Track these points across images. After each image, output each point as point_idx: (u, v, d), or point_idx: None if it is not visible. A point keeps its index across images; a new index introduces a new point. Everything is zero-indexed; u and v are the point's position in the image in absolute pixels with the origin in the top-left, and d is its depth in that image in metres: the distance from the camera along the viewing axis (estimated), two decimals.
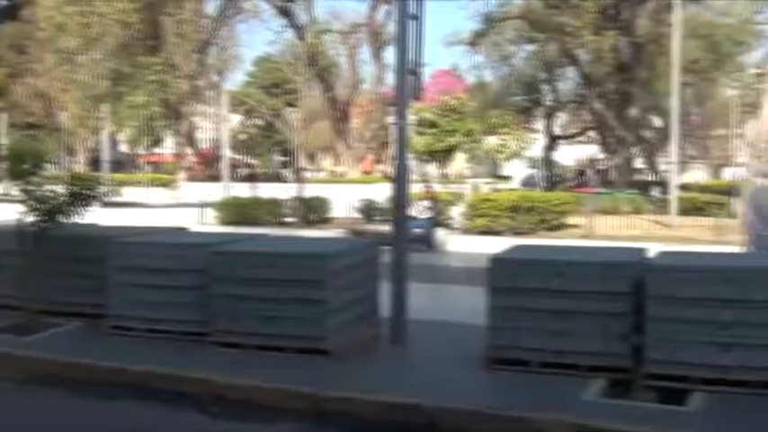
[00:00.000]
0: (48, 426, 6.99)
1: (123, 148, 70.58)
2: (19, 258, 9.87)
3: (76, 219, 9.91)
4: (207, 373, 7.87)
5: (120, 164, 65.29)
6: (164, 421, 7.12)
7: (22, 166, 9.82)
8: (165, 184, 51.28)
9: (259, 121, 77.79)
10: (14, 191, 10.42)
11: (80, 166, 55.26)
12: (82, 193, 9.85)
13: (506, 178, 59.17)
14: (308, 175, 56.13)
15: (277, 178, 60.68)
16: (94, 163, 54.22)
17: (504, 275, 7.98)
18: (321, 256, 8.67)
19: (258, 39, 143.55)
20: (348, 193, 30.56)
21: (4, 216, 13.26)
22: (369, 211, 26.55)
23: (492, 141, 63.01)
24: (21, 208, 9.76)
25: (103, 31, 46.38)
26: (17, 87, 54.79)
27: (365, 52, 54.29)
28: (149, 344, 9.05)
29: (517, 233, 23.59)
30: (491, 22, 42.58)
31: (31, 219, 9.69)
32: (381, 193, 25.25)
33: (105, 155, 42.77)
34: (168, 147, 66.07)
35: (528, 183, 50.37)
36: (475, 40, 44.26)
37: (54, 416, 7.24)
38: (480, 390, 7.46)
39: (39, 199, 9.65)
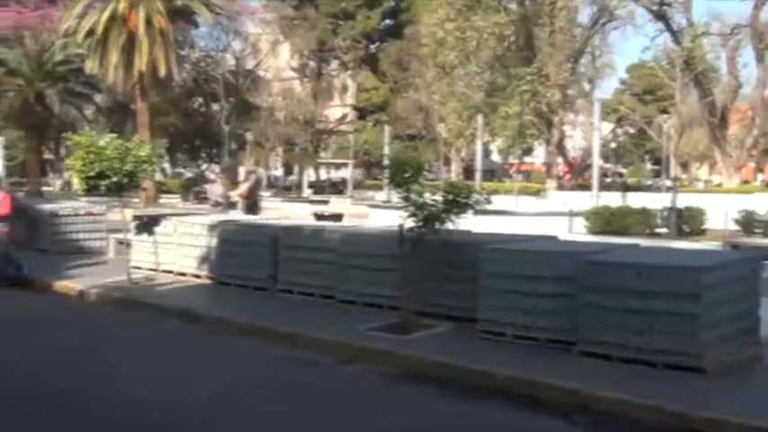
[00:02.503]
0: (415, 423, 7.35)
1: (495, 157, 72.52)
2: (398, 262, 10.52)
3: (451, 225, 10.30)
4: (572, 382, 7.82)
5: (491, 173, 67.27)
6: (527, 427, 7.20)
7: (403, 175, 10.39)
8: (534, 193, 51.91)
9: (630, 129, 76.08)
10: (395, 198, 11.08)
11: (454, 175, 57.71)
12: (457, 201, 10.21)
13: None
14: (681, 184, 53.79)
15: (648, 188, 58.86)
16: (467, 172, 56.36)
17: None
18: (696, 268, 8.27)
19: (631, 45, 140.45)
20: (725, 203, 28.82)
21: (386, 221, 14.21)
22: (748, 222, 24.86)
23: None
24: (401, 214, 10.37)
25: (480, 44, 48.02)
26: (399, 101, 58.51)
27: (747, 54, 50.90)
28: (517, 349, 9.19)
29: None
30: None
31: (410, 224, 10.24)
32: (763, 204, 23.49)
33: (478, 164, 44.23)
34: (538, 156, 66.85)
35: None
36: None
37: (420, 411, 7.59)
38: None
39: (418, 206, 10.16)
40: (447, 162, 62.38)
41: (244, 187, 21.58)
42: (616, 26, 53.30)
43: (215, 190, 20.33)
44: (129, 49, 36.06)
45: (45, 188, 45.57)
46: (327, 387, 8.39)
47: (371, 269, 11.50)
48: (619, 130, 77.24)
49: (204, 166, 71.93)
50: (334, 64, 68.51)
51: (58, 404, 7.54)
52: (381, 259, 11.34)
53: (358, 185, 60.04)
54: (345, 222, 21.67)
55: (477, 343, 9.56)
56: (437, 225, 10.17)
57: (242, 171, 71.55)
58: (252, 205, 20.46)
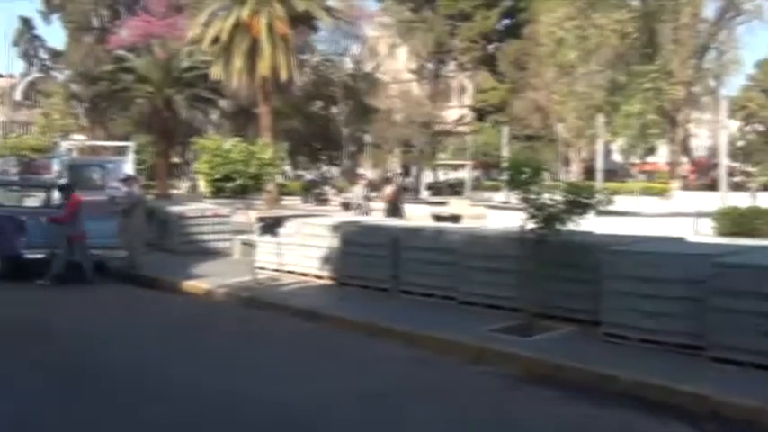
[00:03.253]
0: (539, 425, 7.30)
1: (616, 157, 71.02)
2: (519, 263, 10.45)
3: (572, 226, 10.18)
4: (702, 388, 7.61)
5: (612, 173, 65.86)
6: None
7: (523, 175, 10.31)
8: (657, 194, 50.56)
9: (759, 127, 73.23)
10: (514, 199, 11.00)
11: (574, 175, 56.79)
12: (578, 202, 10.07)
13: None
14: None
15: None
16: (587, 172, 55.35)
17: None
18: None
19: (760, 40, 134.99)
20: None
21: (505, 223, 14.12)
22: None
23: None
24: (521, 215, 10.30)
25: (601, 42, 47.17)
26: (517, 102, 57.96)
27: None
28: (641, 353, 9.01)
29: None
30: None
31: (530, 225, 10.17)
32: None
33: (599, 164, 43.37)
34: (662, 155, 65.05)
35: None
36: None
37: (543, 414, 7.54)
38: None
39: (538, 207, 10.07)
40: (566, 162, 61.42)
41: (387, 191, 21.38)
42: (743, 21, 51.48)
43: (357, 192, 20.42)
44: (252, 54, 36.99)
45: (172, 191, 47.09)
46: (457, 388, 8.42)
47: (492, 270, 11.47)
48: (747, 128, 74.47)
49: (324, 169, 73.06)
50: (452, 65, 68.37)
51: (205, 403, 7.79)
52: (502, 260, 11.30)
53: (476, 187, 59.77)
54: (464, 224, 21.64)
55: (600, 346, 9.42)
56: (558, 226, 10.05)
57: (367, 173, 72.45)
58: (395, 209, 20.17)
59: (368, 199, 20.93)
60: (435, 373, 8.99)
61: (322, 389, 8.18)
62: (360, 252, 13.81)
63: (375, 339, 10.51)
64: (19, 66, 70.24)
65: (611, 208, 11.03)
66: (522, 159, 11.73)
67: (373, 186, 22.60)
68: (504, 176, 11.17)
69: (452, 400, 7.95)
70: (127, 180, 18.61)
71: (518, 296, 10.52)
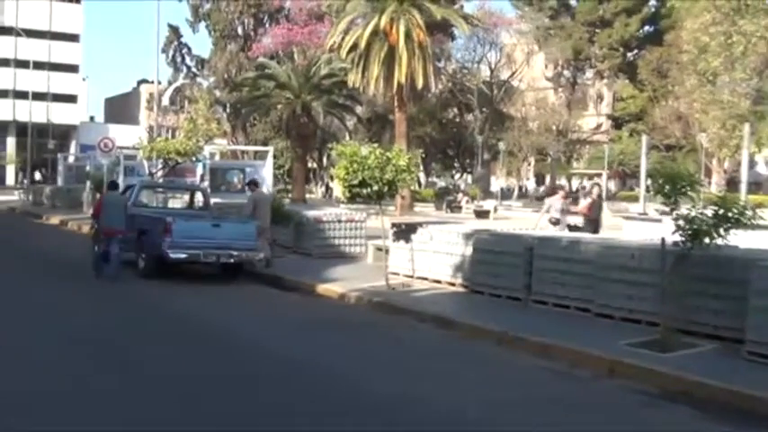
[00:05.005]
0: None
1: (761, 168, 68.19)
2: (660, 277, 10.16)
3: (720, 241, 9.77)
4: None
5: (756, 185, 63.18)
6: None
7: (674, 186, 9.92)
8: None
9: None
10: (651, 211, 10.68)
11: (716, 187, 54.79)
12: (728, 216, 9.64)
13: None
14: None
15: None
16: (730, 184, 53.27)
17: None
18: None
19: None
20: None
21: (641, 234, 13.72)
22: None
23: None
24: (660, 227, 10.00)
25: (747, 49, 45.36)
26: (657, 110, 56.41)
27: None
28: None
29: None
30: None
31: (675, 239, 9.84)
32: None
33: (744, 176, 41.69)
34: None
35: None
36: None
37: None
38: None
39: (688, 220, 9.70)
40: (707, 173, 59.35)
41: (584, 203, 19.46)
42: None
43: (555, 204, 18.60)
44: (389, 62, 37.41)
45: (308, 195, 48.08)
46: (592, 402, 8.31)
47: (630, 283, 11.20)
48: None
49: (457, 176, 73.06)
50: (590, 73, 67.29)
51: (342, 399, 7.95)
52: (640, 273, 11.02)
53: (612, 197, 58.51)
54: (600, 234, 21.15)
55: (742, 365, 9.07)
56: (707, 240, 9.66)
57: (492, 180, 72.06)
58: (594, 223, 18.52)
59: (566, 212, 19.03)
60: (569, 385, 8.86)
61: (455, 395, 8.18)
62: (493, 260, 13.74)
63: (508, 348, 10.44)
64: (166, 73, 73.24)
65: (757, 222, 10.57)
66: (671, 170, 11.22)
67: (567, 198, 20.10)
68: (645, 187, 10.88)
69: (587, 413, 7.83)
70: (250, 184, 19.22)
71: (657, 310, 10.23)
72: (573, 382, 8.97)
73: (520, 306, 12.85)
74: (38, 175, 59.85)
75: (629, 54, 62.97)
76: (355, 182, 14.19)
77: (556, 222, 18.16)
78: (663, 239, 9.98)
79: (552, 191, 31.17)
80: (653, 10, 61.74)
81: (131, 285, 15.37)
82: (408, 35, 36.99)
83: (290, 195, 42.01)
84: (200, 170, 33.22)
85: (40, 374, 8.49)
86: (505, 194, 63.51)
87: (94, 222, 16.82)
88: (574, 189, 69.89)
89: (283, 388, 8.30)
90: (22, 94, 73.69)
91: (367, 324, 12.38)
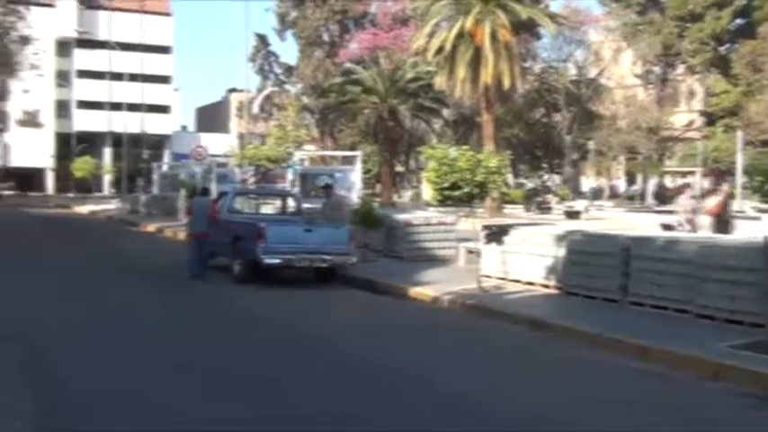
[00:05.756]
0: None
1: None
2: (764, 276, 9.88)
3: None
4: None
5: None
6: None
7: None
8: None
9: None
10: (749, 208, 10.41)
11: None
12: None
13: None
14: None
15: None
16: None
17: None
18: None
19: None
20: None
21: (740, 233, 13.42)
22: None
23: None
24: (762, 225, 9.75)
25: None
26: (752, 105, 54.83)
27: None
28: None
29: None
30: None
31: None
32: None
33: None
34: None
35: None
36: None
37: None
38: None
39: None
40: None
41: (713, 202, 18.36)
42: None
43: (685, 204, 17.45)
44: (475, 63, 37.28)
45: (396, 199, 48.23)
46: (695, 405, 8.13)
47: (731, 283, 10.90)
48: None
49: (545, 177, 72.30)
50: (680, 68, 65.70)
51: (448, 403, 7.96)
52: (743, 272, 10.73)
53: (705, 194, 57.03)
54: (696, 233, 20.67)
55: None
56: None
57: (582, 180, 71.06)
58: (723, 223, 17.49)
59: (696, 212, 17.84)
60: (671, 388, 8.69)
61: (549, 397, 8.11)
62: (587, 261, 13.58)
63: (604, 350, 10.30)
64: (255, 81, 74.50)
65: None
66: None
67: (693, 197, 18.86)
68: (742, 184, 10.62)
69: (690, 417, 7.66)
70: (326, 188, 19.44)
71: (761, 311, 9.94)
72: (673, 384, 8.80)
73: (616, 307, 12.65)
74: (141, 183, 61.45)
75: (720, 48, 61.29)
76: (446, 184, 14.24)
77: (687, 222, 17.24)
78: (766, 237, 9.71)
79: (678, 190, 29.71)
80: (744, 2, 59.95)
81: (227, 290, 15.71)
82: (494, 36, 36.79)
83: (378, 199, 42.21)
84: (290, 176, 33.67)
85: (145, 375, 8.74)
86: (596, 194, 62.54)
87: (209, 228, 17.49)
88: (669, 187, 68.59)
89: (372, 392, 8.35)
90: (116, 106, 75.97)
91: (460, 327, 12.37)
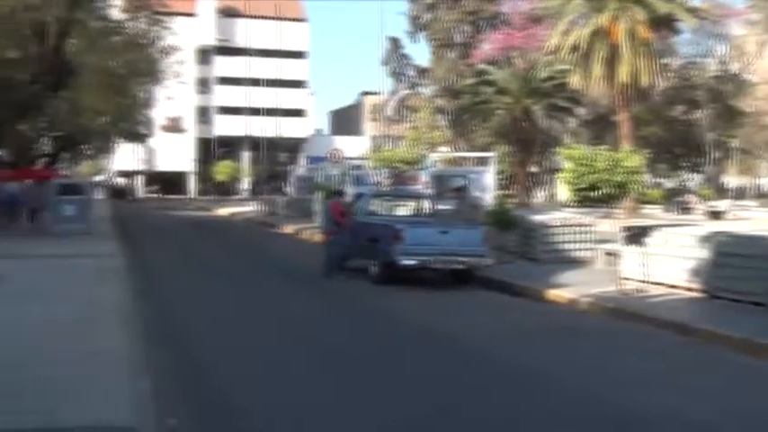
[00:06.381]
0: None
1: None
2: None
3: None
4: None
5: None
6: None
7: None
8: None
9: None
10: None
11: None
12: None
13: None
14: None
15: None
16: None
17: None
18: None
19: None
20: None
21: None
22: None
23: None
24: None
25: None
26: None
27: None
28: None
29: None
30: None
31: None
32: None
33: None
34: None
35: None
36: None
37: None
38: None
39: None
40: None
41: None
42: None
43: None
44: (611, 61, 36.48)
45: (530, 200, 47.71)
46: None
47: None
48: None
49: (685, 176, 70.04)
50: None
51: (595, 412, 7.88)
52: None
53: None
54: None
55: None
56: None
57: (725, 179, 68.44)
58: None
59: None
60: None
61: (705, 407, 7.86)
62: (734, 264, 13.09)
63: (753, 356, 9.93)
64: (388, 84, 75.21)
65: None
66: None
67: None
68: None
69: None
70: (458, 190, 19.40)
71: None
72: None
73: (763, 311, 12.15)
74: (284, 186, 62.93)
75: None
76: (584, 185, 14.01)
77: None
78: None
79: None
80: None
81: (364, 292, 15.92)
82: (631, 33, 35.91)
83: (512, 200, 41.86)
84: (424, 178, 33.80)
85: (297, 376, 9.00)
86: (739, 194, 60.18)
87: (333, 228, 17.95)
88: None
89: (512, 396, 8.30)
90: (254, 111, 78.17)
91: (600, 331, 12.15)
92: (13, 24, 28.18)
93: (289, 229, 33.34)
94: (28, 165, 47.71)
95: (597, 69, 36.83)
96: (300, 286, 16.87)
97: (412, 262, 15.96)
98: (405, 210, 21.34)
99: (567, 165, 14.62)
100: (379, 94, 75.54)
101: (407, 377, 8.97)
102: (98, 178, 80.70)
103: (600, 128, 57.25)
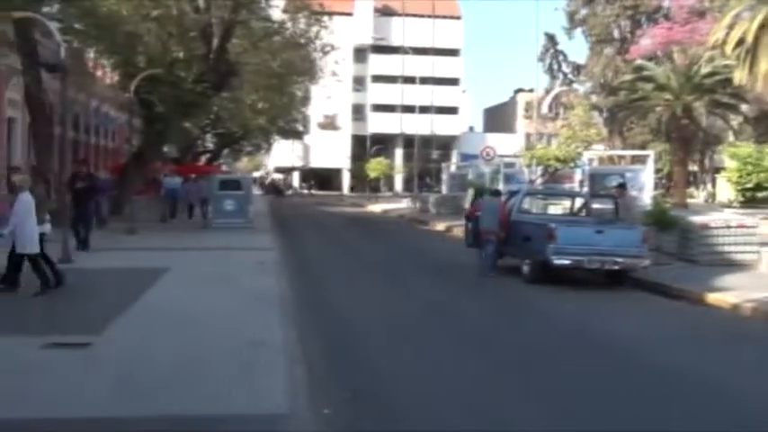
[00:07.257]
0: None
1: None
2: None
3: None
4: None
5: None
6: None
7: None
8: None
9: None
10: None
11: None
12: None
13: None
14: None
15: None
16: None
17: None
18: None
19: None
20: None
21: None
22: None
23: None
24: None
25: None
26: None
27: None
28: None
29: None
30: None
31: None
32: None
33: None
34: None
35: None
36: None
37: None
38: None
39: None
40: None
41: None
42: None
43: None
44: None
45: (689, 200, 46.11)
46: None
47: None
48: None
49: None
50: None
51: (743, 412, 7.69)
52: None
53: None
54: None
55: None
56: None
57: None
58: None
59: None
60: None
61: None
62: None
63: None
64: (543, 81, 74.36)
65: None
66: None
67: None
68: None
69: None
70: (619, 188, 18.92)
71: None
72: None
73: None
74: (436, 184, 63.22)
75: None
76: (750, 184, 13.47)
77: None
78: None
79: None
80: None
81: (517, 291, 15.85)
82: None
83: (670, 200, 40.59)
84: (578, 176, 33.27)
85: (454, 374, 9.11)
86: None
87: (468, 223, 17.91)
88: None
89: (696, 409, 8.08)
90: (408, 108, 78.82)
91: (765, 336, 11.67)
92: (181, 27, 29.56)
93: (439, 226, 33.49)
94: (192, 161, 50.00)
95: (764, 64, 35.15)
96: (455, 284, 16.83)
97: (566, 261, 15.76)
98: (558, 208, 21.10)
99: (732, 164, 14.03)
100: (532, 91, 74.75)
101: (586, 391, 8.86)
102: (256, 174, 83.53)
103: (766, 125, 54.66)
